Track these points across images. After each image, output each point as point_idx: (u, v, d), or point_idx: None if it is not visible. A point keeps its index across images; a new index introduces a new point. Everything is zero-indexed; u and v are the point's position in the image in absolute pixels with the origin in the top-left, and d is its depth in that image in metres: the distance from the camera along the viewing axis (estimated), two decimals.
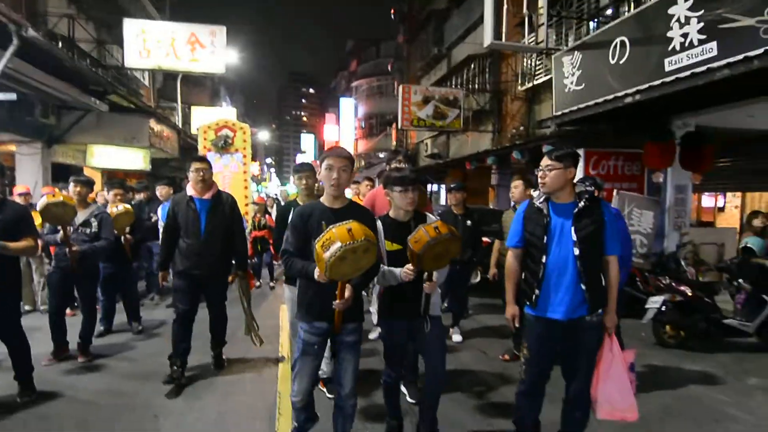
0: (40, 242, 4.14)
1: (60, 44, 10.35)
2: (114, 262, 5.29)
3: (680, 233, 7.31)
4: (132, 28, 10.99)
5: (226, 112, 20.88)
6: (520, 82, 11.71)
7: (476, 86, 14.70)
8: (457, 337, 5.37)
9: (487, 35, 7.23)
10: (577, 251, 2.70)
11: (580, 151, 7.59)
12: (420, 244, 2.58)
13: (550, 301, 2.76)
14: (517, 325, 2.99)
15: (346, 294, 2.49)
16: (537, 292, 2.78)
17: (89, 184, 4.85)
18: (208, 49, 11.53)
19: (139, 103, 11.54)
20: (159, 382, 3.98)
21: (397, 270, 2.76)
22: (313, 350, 2.69)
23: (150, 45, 11.04)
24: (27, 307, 6.20)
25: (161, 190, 6.96)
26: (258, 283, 8.77)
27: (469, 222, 5.29)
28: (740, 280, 5.31)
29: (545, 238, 2.76)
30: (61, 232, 4.35)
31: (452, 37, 16.81)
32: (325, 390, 3.82)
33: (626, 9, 7.73)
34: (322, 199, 2.77)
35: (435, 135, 17.59)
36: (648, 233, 7.07)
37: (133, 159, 12.34)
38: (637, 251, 7.05)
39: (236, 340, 4.73)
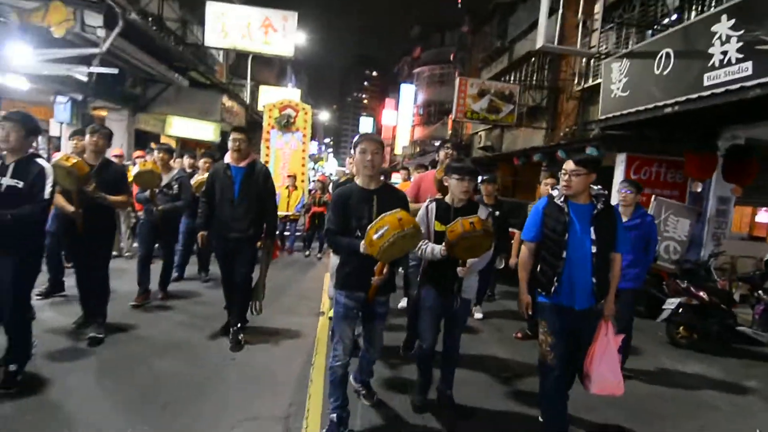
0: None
1: (150, 22, 11.51)
2: (194, 219, 6.02)
3: (714, 243, 7.40)
4: (213, 10, 12.00)
5: (291, 93, 21.92)
6: (576, 81, 11.78)
7: (534, 82, 14.78)
8: (478, 315, 5.91)
9: (539, 37, 7.52)
10: (594, 249, 2.95)
11: (622, 156, 7.79)
12: (454, 234, 2.85)
13: (566, 292, 2.98)
14: (530, 312, 3.18)
15: (385, 270, 2.81)
16: (556, 284, 2.98)
17: (170, 151, 5.80)
18: (280, 33, 12.36)
19: (214, 80, 12.60)
20: (221, 322, 4.72)
21: (438, 247, 3.03)
22: (352, 314, 2.98)
23: (228, 27, 12.01)
24: (114, 253, 7.27)
25: None
26: (307, 253, 9.68)
27: (497, 213, 5.74)
28: (759, 292, 5.48)
29: (566, 235, 2.96)
30: (149, 192, 5.22)
31: (516, 32, 16.85)
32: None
33: (688, 17, 7.76)
34: (356, 181, 3.01)
35: (489, 128, 17.78)
36: (682, 240, 7.21)
37: (205, 131, 13.49)
38: (669, 257, 7.24)
39: (284, 296, 5.48)
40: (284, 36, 12.23)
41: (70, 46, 6.91)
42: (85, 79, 7.69)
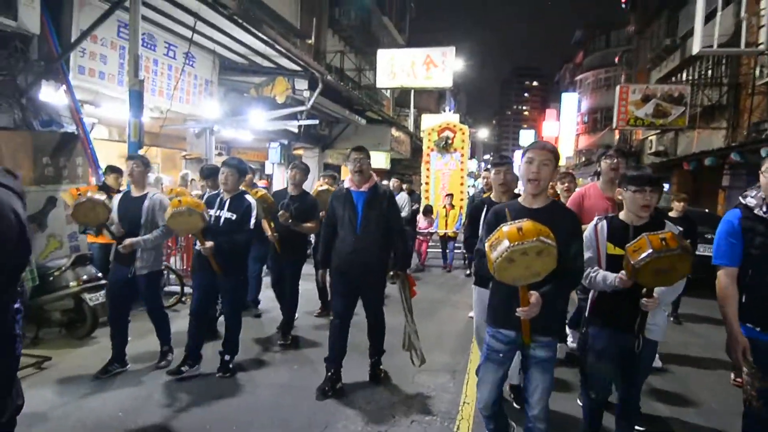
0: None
1: (334, 74, 13.98)
2: None
3: None
4: (384, 56, 14.03)
5: (449, 117, 23.41)
6: (758, 74, 10.77)
7: (711, 79, 13.67)
8: (572, 343, 4.59)
9: (696, 41, 7.48)
10: None
11: None
12: (639, 254, 2.28)
13: None
14: (750, 358, 2.44)
15: (531, 300, 2.23)
16: None
17: (334, 177, 6.51)
18: (440, 68, 13.82)
19: (384, 116, 14.58)
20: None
21: (613, 275, 2.47)
22: (498, 358, 2.49)
23: (396, 69, 13.89)
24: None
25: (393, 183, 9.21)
26: (468, 272, 9.07)
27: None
28: None
29: None
30: (323, 214, 5.81)
31: (687, 26, 15.67)
32: (512, 398, 3.59)
33: None
34: (519, 198, 2.57)
35: (660, 132, 16.71)
36: None
37: (378, 159, 15.56)
38: None
39: (447, 300, 6.34)
40: (443, 70, 13.64)
41: (284, 107, 9.18)
42: (296, 130, 10.02)
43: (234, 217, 3.80)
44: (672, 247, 2.25)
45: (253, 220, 3.84)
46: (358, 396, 3.65)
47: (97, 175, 5.75)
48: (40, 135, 5.14)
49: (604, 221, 2.68)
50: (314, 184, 8.69)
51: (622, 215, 2.67)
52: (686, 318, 6.15)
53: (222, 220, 3.81)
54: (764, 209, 2.37)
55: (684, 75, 15.81)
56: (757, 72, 10.83)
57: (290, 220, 4.59)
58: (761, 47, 7.38)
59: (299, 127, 9.63)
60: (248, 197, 3.94)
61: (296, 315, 5.09)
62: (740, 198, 2.52)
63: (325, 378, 3.72)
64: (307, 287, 5.47)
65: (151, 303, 4.06)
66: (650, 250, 2.25)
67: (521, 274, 2.15)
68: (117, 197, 4.09)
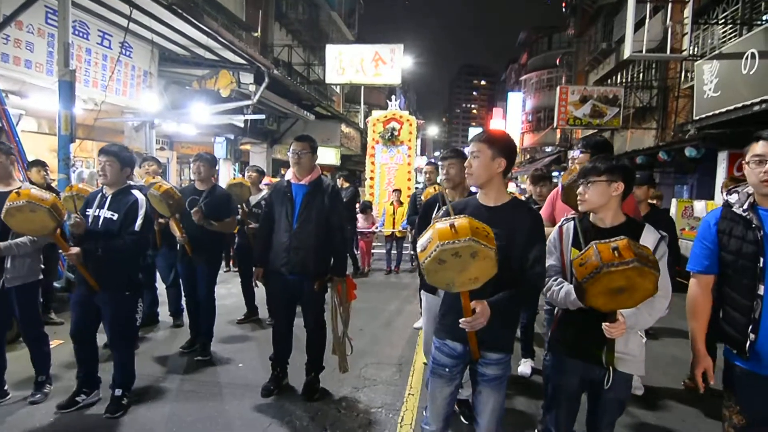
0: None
1: (282, 69, 13.75)
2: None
3: None
4: (332, 51, 13.85)
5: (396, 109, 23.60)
6: (683, 79, 11.58)
7: (642, 82, 14.55)
8: (525, 370, 4.21)
9: (627, 46, 7.92)
10: None
11: (723, 154, 7.82)
12: (586, 269, 1.84)
13: None
14: (711, 382, 2.12)
15: (477, 310, 1.94)
16: (751, 336, 1.96)
17: (261, 172, 5.84)
18: (388, 65, 13.84)
19: (334, 111, 14.51)
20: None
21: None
22: (444, 373, 2.20)
23: (345, 64, 13.79)
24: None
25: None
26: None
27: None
28: None
29: (761, 258, 1.92)
30: (241, 211, 5.17)
31: (621, 32, 16.55)
32: (460, 414, 3.26)
33: None
34: (477, 195, 2.26)
35: (597, 131, 17.63)
36: None
37: (328, 155, 15.46)
38: None
39: (395, 299, 6.41)
40: (392, 67, 13.67)
41: (229, 100, 8.95)
42: (241, 125, 9.79)
43: (115, 216, 3.14)
44: (626, 258, 1.78)
45: (140, 221, 3.17)
46: None
47: (24, 171, 5.41)
48: None
49: (571, 222, 2.29)
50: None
51: (592, 216, 2.24)
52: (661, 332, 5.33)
53: (101, 220, 3.14)
54: (745, 206, 1.99)
55: (618, 77, 16.71)
56: (682, 76, 11.63)
57: (201, 221, 4.12)
58: (684, 53, 7.95)
59: (245, 121, 9.43)
60: (135, 192, 3.27)
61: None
62: (724, 194, 2.20)
63: (270, 376, 3.62)
64: (221, 293, 5.06)
65: (26, 321, 3.34)
66: (599, 264, 1.80)
67: (455, 278, 1.86)
68: None
